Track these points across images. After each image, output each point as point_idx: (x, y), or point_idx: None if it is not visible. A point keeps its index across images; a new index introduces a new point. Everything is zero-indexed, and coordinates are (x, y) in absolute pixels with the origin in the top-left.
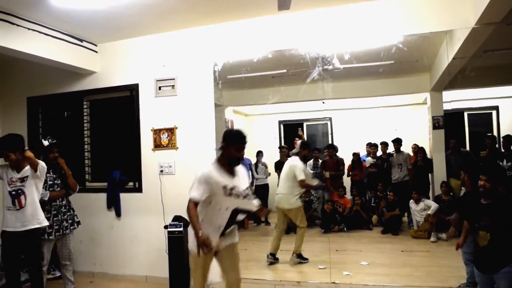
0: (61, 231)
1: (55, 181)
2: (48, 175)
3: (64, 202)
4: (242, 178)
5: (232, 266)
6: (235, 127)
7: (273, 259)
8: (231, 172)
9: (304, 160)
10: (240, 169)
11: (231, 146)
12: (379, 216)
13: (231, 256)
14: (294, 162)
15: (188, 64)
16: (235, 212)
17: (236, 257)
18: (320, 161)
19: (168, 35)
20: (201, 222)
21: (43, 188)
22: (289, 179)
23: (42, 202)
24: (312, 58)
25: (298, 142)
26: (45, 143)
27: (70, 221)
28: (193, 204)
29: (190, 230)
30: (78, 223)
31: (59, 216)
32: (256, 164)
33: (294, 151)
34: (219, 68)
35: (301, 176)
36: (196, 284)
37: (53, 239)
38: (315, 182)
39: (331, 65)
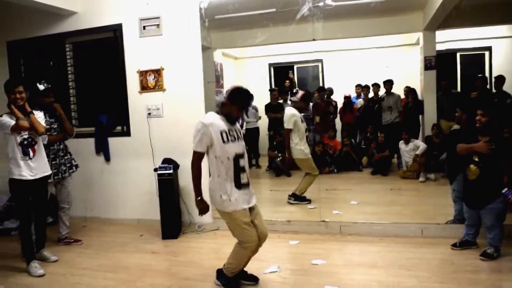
0: (59, 174)
1: (52, 126)
2: (45, 119)
3: (61, 146)
4: (236, 127)
5: (261, 224)
6: (224, 70)
7: (293, 200)
8: (229, 122)
9: (300, 111)
10: None
11: (234, 106)
12: (369, 158)
13: (259, 216)
14: (286, 112)
15: (173, 2)
16: (236, 158)
17: (261, 216)
18: (311, 104)
19: None
20: (217, 179)
21: None
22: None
23: None
24: None
25: (300, 92)
26: (41, 87)
27: (68, 165)
28: (197, 158)
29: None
30: (76, 166)
31: (57, 160)
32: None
33: (293, 98)
34: (205, 5)
35: (287, 125)
36: (252, 235)
37: (52, 182)
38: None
39: (322, 2)
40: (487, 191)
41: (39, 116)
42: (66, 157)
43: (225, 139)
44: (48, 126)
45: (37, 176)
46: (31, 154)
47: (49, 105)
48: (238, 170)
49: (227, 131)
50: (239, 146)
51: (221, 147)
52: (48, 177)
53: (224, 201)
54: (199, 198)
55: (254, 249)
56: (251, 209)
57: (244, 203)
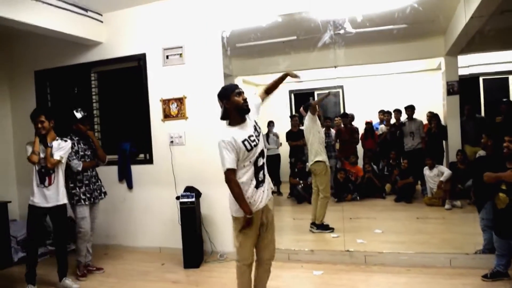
0: (92, 199)
1: (86, 152)
2: (79, 146)
3: (94, 172)
4: (249, 122)
5: (272, 242)
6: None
7: (315, 229)
8: (243, 124)
9: (313, 112)
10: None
11: (231, 97)
12: (392, 185)
13: (272, 230)
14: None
15: (195, 32)
16: (256, 159)
17: (274, 232)
18: (333, 130)
19: (174, 2)
20: (241, 185)
21: (76, 158)
22: (308, 142)
23: (76, 172)
24: (323, 22)
25: (301, 110)
26: (78, 115)
27: (98, 191)
28: (232, 175)
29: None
30: (105, 193)
31: (90, 185)
32: (268, 134)
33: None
34: (227, 34)
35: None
36: (245, 252)
37: (88, 205)
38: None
39: (343, 29)
40: None
41: (62, 146)
42: (97, 184)
43: (249, 147)
44: (82, 153)
45: (50, 205)
46: (47, 182)
47: (84, 133)
48: (257, 169)
49: (247, 137)
50: (260, 146)
51: (245, 155)
52: (63, 206)
53: (239, 209)
54: (251, 216)
55: (247, 270)
56: (263, 224)
57: (260, 202)
